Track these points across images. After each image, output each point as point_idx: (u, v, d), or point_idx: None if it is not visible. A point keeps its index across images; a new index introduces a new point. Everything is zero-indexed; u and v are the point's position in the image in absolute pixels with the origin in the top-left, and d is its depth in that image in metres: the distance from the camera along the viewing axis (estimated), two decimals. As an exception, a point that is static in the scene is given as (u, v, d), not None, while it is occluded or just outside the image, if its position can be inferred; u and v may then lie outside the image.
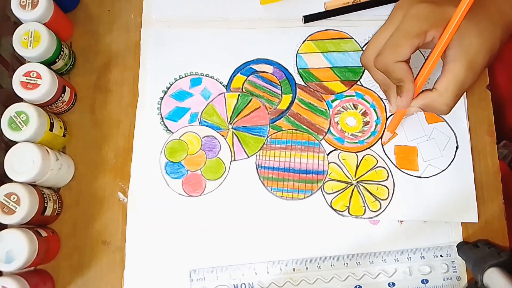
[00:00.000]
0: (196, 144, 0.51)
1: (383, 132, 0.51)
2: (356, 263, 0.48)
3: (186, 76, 0.53)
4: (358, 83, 0.53)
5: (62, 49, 0.50)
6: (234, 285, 0.48)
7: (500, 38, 0.44)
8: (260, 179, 0.50)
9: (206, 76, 0.53)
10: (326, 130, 0.52)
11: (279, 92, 0.53)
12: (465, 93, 0.52)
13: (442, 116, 0.52)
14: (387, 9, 0.55)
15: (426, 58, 0.45)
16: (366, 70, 0.52)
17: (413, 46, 0.42)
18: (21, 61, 0.50)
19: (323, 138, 0.51)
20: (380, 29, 0.46)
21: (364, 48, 0.53)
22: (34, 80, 0.46)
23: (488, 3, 0.44)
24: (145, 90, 0.53)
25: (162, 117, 0.52)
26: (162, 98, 0.53)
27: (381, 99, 0.53)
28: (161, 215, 0.49)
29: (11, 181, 0.44)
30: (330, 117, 0.52)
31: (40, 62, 0.48)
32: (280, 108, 0.52)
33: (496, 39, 0.43)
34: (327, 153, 0.51)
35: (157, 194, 0.50)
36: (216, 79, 0.53)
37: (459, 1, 0.40)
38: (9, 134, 0.45)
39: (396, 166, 0.51)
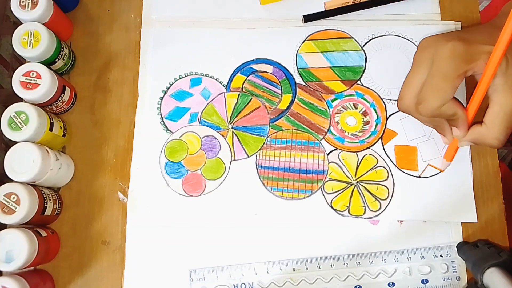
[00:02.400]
0: (196, 144, 0.51)
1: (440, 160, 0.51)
2: (356, 263, 0.48)
3: (186, 76, 0.53)
4: (358, 82, 0.53)
5: (62, 49, 0.50)
6: (234, 285, 0.48)
7: None
8: (260, 179, 0.50)
9: (206, 76, 0.53)
10: (326, 130, 0.52)
11: (279, 91, 0.53)
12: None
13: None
14: (387, 9, 0.55)
15: (474, 88, 0.44)
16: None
17: (456, 87, 0.42)
18: (21, 61, 0.50)
19: (323, 137, 0.51)
20: (410, 73, 0.46)
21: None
22: (34, 80, 0.46)
23: None
24: (145, 90, 0.53)
25: (162, 117, 0.52)
26: (162, 98, 0.53)
27: (381, 98, 0.53)
28: (161, 215, 0.49)
29: (11, 181, 0.44)
30: (330, 117, 0.52)
31: (40, 62, 0.48)
32: (280, 107, 0.52)
33: None
34: (327, 153, 0.51)
35: (157, 194, 0.50)
36: (216, 79, 0.53)
37: (488, 33, 0.40)
38: (9, 134, 0.45)
39: (396, 166, 0.51)
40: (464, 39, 0.42)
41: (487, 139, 0.43)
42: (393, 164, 0.51)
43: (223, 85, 0.53)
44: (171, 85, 0.53)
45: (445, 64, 0.42)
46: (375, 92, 0.53)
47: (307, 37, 0.54)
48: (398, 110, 0.50)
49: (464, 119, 0.44)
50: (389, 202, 0.49)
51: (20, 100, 0.47)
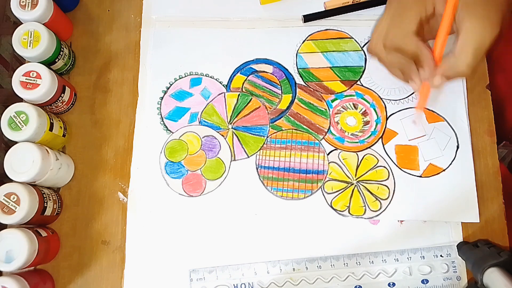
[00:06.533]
0: (196, 144, 0.51)
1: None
2: (356, 263, 0.48)
3: (186, 76, 0.53)
4: (358, 82, 0.53)
5: (62, 49, 0.50)
6: (234, 285, 0.48)
7: None
8: (260, 179, 0.50)
9: (206, 76, 0.53)
10: (326, 130, 0.52)
11: (279, 91, 0.53)
12: (465, 92, 0.52)
13: (443, 115, 0.52)
14: (387, 8, 0.55)
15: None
16: (378, 60, 0.51)
17: (416, 17, 0.42)
18: (21, 61, 0.50)
19: (323, 137, 0.51)
20: (379, 17, 0.47)
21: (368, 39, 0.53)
22: (34, 80, 0.46)
23: None
24: (145, 90, 0.53)
25: (162, 117, 0.52)
26: (162, 98, 0.53)
27: (381, 98, 0.53)
28: (161, 215, 0.49)
29: (11, 181, 0.44)
30: (330, 117, 0.52)
31: (40, 62, 0.48)
32: (280, 107, 0.52)
33: None
34: (327, 153, 0.51)
35: (157, 194, 0.50)
36: (216, 79, 0.53)
37: None
38: (9, 134, 0.45)
39: (396, 166, 0.50)
40: None
41: (458, 67, 0.43)
42: (394, 163, 0.51)
43: (223, 85, 0.53)
44: (171, 85, 0.53)
45: None
46: (375, 92, 0.53)
47: (307, 37, 0.54)
48: (395, 112, 0.50)
49: (428, 56, 0.44)
50: (390, 202, 0.49)
51: (20, 100, 0.47)
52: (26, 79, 0.46)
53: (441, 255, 0.48)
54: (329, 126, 0.52)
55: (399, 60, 0.46)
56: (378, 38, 0.46)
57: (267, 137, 0.51)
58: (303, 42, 0.54)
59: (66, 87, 0.50)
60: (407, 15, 0.43)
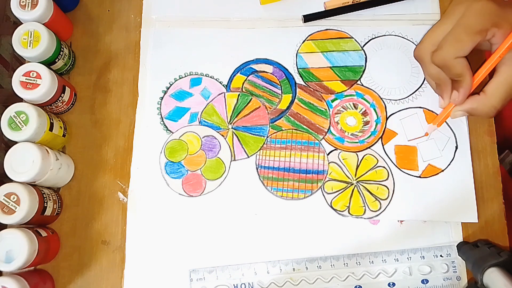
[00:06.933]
0: (196, 144, 0.51)
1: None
2: (356, 263, 0.48)
3: (186, 76, 0.53)
4: (358, 82, 0.53)
5: (62, 49, 0.50)
6: (234, 285, 0.48)
7: None
8: (260, 179, 0.50)
9: (206, 76, 0.53)
10: (326, 130, 0.52)
11: (279, 91, 0.53)
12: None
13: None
14: (387, 8, 0.55)
15: (485, 58, 0.45)
16: (419, 63, 0.51)
17: (475, 42, 0.43)
18: (21, 61, 0.50)
19: (323, 137, 0.51)
20: (437, 23, 0.47)
21: (418, 42, 0.53)
22: (34, 80, 0.46)
23: None
24: (145, 90, 0.53)
25: (162, 117, 0.52)
26: (162, 98, 0.53)
27: (381, 98, 0.53)
28: (161, 215, 0.49)
29: (11, 181, 0.44)
30: (330, 117, 0.52)
31: (40, 62, 0.48)
32: (280, 107, 0.52)
33: None
34: (327, 153, 0.51)
35: (157, 194, 0.50)
36: (216, 79, 0.53)
37: None
38: (9, 134, 0.45)
39: (396, 166, 0.51)
40: (499, 3, 0.43)
41: (484, 106, 0.44)
42: (393, 164, 0.51)
43: (223, 85, 0.53)
44: (171, 85, 0.53)
45: (471, 17, 0.43)
46: (375, 92, 0.53)
47: (307, 37, 0.54)
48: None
49: (468, 83, 0.44)
50: (389, 202, 0.49)
51: (20, 100, 0.47)
52: (26, 79, 0.46)
53: (441, 255, 0.48)
54: (329, 126, 0.52)
55: (439, 76, 0.47)
56: (428, 46, 0.46)
57: (267, 137, 0.51)
58: (303, 42, 0.54)
59: (66, 87, 0.50)
60: (469, 37, 0.42)
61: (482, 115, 0.45)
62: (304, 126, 0.52)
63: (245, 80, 0.53)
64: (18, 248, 0.42)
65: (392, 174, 0.50)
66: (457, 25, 0.44)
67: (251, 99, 0.53)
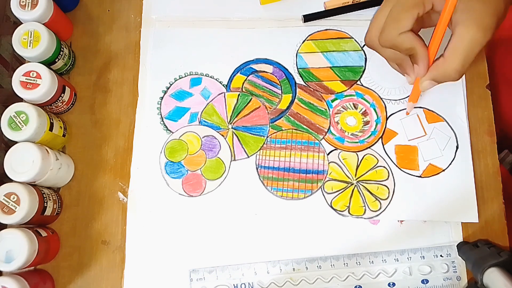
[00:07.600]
0: (196, 144, 0.51)
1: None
2: (356, 263, 0.48)
3: (186, 76, 0.53)
4: (358, 82, 0.53)
5: (62, 49, 0.50)
6: (234, 285, 0.48)
7: (505, 1, 0.42)
8: (260, 179, 0.50)
9: (206, 76, 0.53)
10: (326, 130, 0.52)
11: (279, 91, 0.53)
12: (465, 92, 0.52)
13: (442, 116, 0.52)
14: (387, 8, 0.55)
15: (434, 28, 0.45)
16: (374, 50, 0.51)
17: (413, 16, 0.42)
18: (21, 61, 0.50)
19: (323, 137, 0.51)
20: (379, 9, 0.47)
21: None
22: (34, 80, 0.46)
23: None
24: (145, 90, 0.53)
25: (162, 117, 0.52)
26: (162, 98, 0.53)
27: (381, 98, 0.53)
28: (161, 215, 0.49)
29: (11, 181, 0.44)
30: (330, 117, 0.52)
31: (40, 62, 0.48)
32: (280, 107, 0.52)
33: (501, 1, 0.42)
34: (327, 153, 0.51)
35: (157, 194, 0.50)
36: (216, 79, 0.53)
37: None
38: (9, 134, 0.45)
39: (396, 166, 0.50)
40: None
41: (446, 71, 0.43)
42: (394, 164, 0.51)
43: (223, 85, 0.53)
44: (171, 85, 0.53)
45: None
46: (375, 92, 0.53)
47: (307, 37, 0.54)
48: (396, 106, 0.50)
49: (422, 54, 0.44)
50: (390, 202, 0.49)
51: (20, 100, 0.47)
52: (26, 79, 0.46)
53: (441, 255, 0.48)
54: (329, 126, 0.52)
55: (395, 55, 0.46)
56: (375, 32, 0.46)
57: (267, 137, 0.51)
58: (303, 42, 0.54)
59: (66, 87, 0.50)
60: (404, 14, 0.43)
61: (448, 80, 0.44)
62: (304, 126, 0.52)
63: (245, 80, 0.53)
64: (18, 248, 0.42)
65: (392, 174, 0.50)
66: (394, 6, 0.44)
67: (251, 99, 0.53)
